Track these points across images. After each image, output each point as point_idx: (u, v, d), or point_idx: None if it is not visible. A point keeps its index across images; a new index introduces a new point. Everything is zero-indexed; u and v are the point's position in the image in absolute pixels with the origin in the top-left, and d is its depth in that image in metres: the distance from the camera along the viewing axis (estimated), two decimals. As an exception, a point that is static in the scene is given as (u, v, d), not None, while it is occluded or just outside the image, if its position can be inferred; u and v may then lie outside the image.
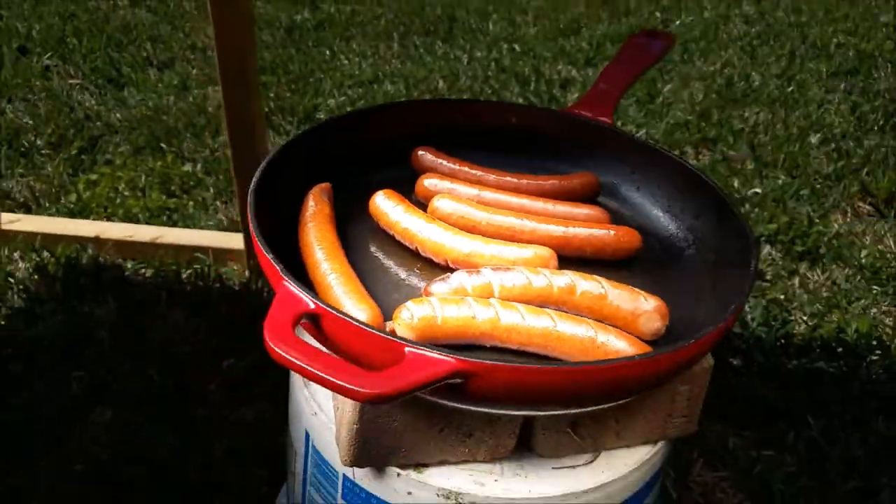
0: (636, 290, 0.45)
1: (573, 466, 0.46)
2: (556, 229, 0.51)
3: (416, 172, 0.58)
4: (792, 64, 2.01)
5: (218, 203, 1.24)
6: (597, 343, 0.41)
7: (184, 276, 1.07)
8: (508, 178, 0.57)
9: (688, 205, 0.55)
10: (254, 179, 0.48)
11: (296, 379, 0.51)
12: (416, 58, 1.93)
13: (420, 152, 0.59)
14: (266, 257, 0.41)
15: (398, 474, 0.44)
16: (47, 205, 1.22)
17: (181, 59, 1.77)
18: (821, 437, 0.87)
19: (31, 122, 1.48)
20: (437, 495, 0.44)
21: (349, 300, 0.42)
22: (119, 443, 0.81)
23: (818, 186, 1.42)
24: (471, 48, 1.99)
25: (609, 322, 0.44)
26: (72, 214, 1.19)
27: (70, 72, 1.68)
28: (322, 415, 0.47)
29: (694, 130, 1.59)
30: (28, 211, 1.22)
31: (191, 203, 1.24)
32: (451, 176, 0.57)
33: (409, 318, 0.42)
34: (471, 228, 0.52)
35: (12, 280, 1.05)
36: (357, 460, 0.43)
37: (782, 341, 1.04)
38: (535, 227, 0.51)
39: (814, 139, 1.59)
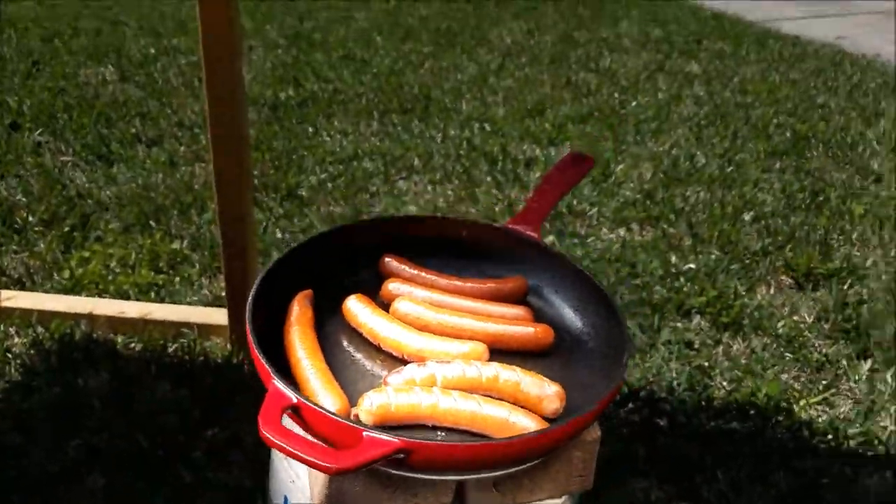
0: (543, 378, 0.60)
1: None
2: (490, 327, 0.66)
3: (383, 276, 0.73)
4: (734, 144, 2.23)
5: (203, 280, 1.38)
6: (510, 422, 0.56)
7: (170, 349, 1.20)
8: (456, 282, 0.72)
9: (589, 305, 0.70)
10: (251, 293, 0.62)
11: (278, 453, 0.64)
12: (394, 135, 2.10)
13: (386, 259, 0.74)
14: (260, 361, 0.55)
15: None
16: (41, 281, 1.34)
17: (169, 135, 1.93)
18: (729, 489, 1.02)
19: (23, 199, 1.61)
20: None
21: (323, 392, 0.56)
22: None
23: (747, 261, 1.59)
24: (444, 126, 2.18)
25: (521, 404, 0.59)
26: (65, 290, 1.31)
27: (61, 148, 1.83)
28: (298, 481, 0.60)
29: (640, 209, 1.77)
30: (22, 287, 1.34)
31: (177, 279, 1.37)
32: (411, 280, 0.72)
33: (370, 405, 0.55)
34: (424, 327, 0.66)
35: (10, 355, 1.17)
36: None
37: (703, 404, 1.19)
38: (473, 325, 0.66)
39: (747, 216, 1.78)
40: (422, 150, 1.97)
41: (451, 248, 0.77)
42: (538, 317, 0.71)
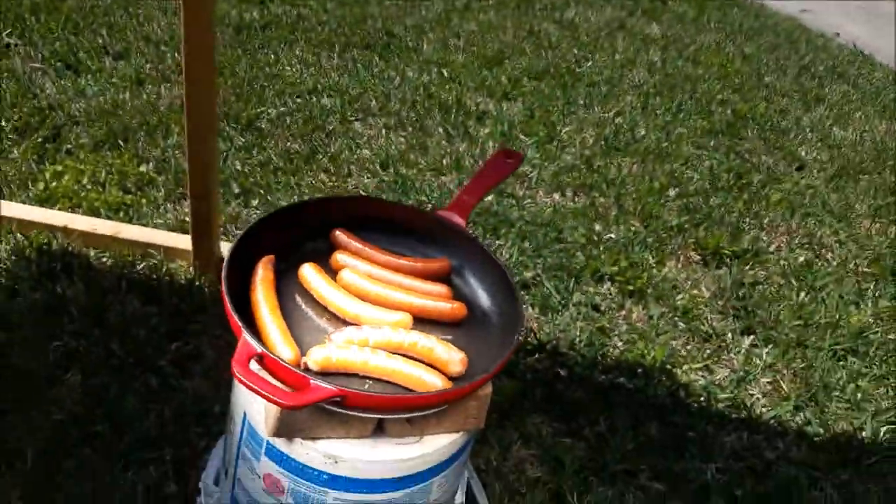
0: (452, 346, 0.79)
1: (407, 443, 0.79)
2: (415, 301, 0.84)
3: (333, 247, 0.90)
4: (675, 117, 2.41)
5: (167, 204, 1.51)
6: (423, 379, 0.75)
7: (139, 267, 1.35)
8: (391, 259, 0.89)
9: (498, 289, 0.89)
10: (226, 257, 0.78)
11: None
12: (354, 73, 2.20)
13: (337, 233, 0.90)
14: (233, 317, 0.72)
15: (301, 443, 0.76)
16: (16, 191, 1.46)
17: (135, 50, 1.99)
18: (607, 431, 1.26)
19: (-6, 103, 1.69)
20: (324, 456, 0.77)
21: (281, 344, 0.73)
22: (89, 401, 1.10)
23: (663, 236, 1.81)
24: (403, 68, 2.29)
25: (433, 365, 0.77)
26: (40, 202, 1.43)
27: (31, 53, 1.88)
28: (256, 403, 0.79)
29: (576, 175, 1.96)
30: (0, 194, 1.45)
31: (144, 201, 1.51)
32: (356, 253, 0.88)
33: (316, 357, 0.73)
34: (363, 296, 0.83)
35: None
36: (276, 433, 0.75)
37: (599, 359, 1.42)
38: (401, 298, 0.84)
39: (671, 192, 1.99)
40: (379, 92, 2.09)
41: (392, 228, 0.94)
42: (456, 295, 0.89)
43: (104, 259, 1.35)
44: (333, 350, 0.75)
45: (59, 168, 1.50)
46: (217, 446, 1.02)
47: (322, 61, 2.19)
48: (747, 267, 1.78)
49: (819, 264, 1.83)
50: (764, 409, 1.40)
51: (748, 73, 2.86)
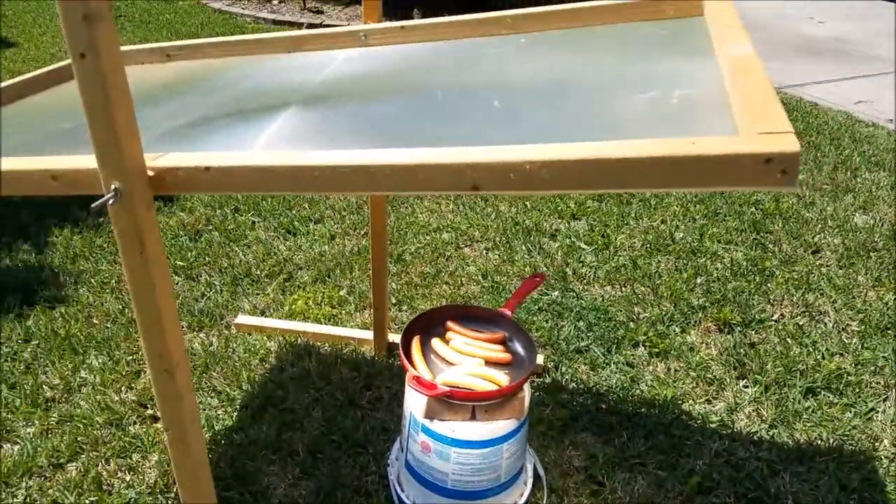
0: (502, 373, 1.70)
1: (486, 422, 1.69)
2: (486, 353, 1.76)
3: (446, 330, 1.85)
4: (711, 220, 3.20)
5: (356, 313, 2.55)
6: (488, 388, 1.66)
7: (344, 351, 2.37)
8: (475, 333, 1.83)
9: (528, 346, 1.79)
10: (402, 338, 1.76)
11: (408, 389, 1.77)
12: (464, 213, 3.23)
13: (448, 322, 1.85)
14: (405, 362, 1.68)
15: (436, 422, 1.68)
16: (274, 312, 2.56)
17: (327, 217, 3.15)
18: (627, 440, 2.07)
19: (253, 260, 2.86)
20: (447, 428, 1.69)
21: (425, 372, 1.67)
22: (327, 424, 2.09)
23: (687, 313, 2.60)
24: (498, 206, 3.29)
25: (493, 382, 1.68)
26: (288, 317, 2.52)
27: (266, 226, 3.08)
28: (416, 403, 1.73)
29: (623, 272, 2.81)
30: (264, 314, 2.56)
31: (343, 312, 2.56)
32: (457, 332, 1.83)
33: (440, 378, 1.67)
34: (461, 352, 1.77)
35: (271, 350, 2.37)
36: (426, 416, 1.68)
37: (629, 398, 2.24)
38: (479, 352, 1.76)
39: (698, 280, 2.78)
40: (480, 225, 3.09)
41: (475, 318, 1.89)
42: (507, 350, 1.81)
43: (325, 348, 2.39)
44: (448, 375, 1.69)
45: (295, 297, 2.60)
46: (394, 444, 1.97)
47: (442, 208, 3.24)
48: (752, 331, 2.53)
49: (813, 326, 2.54)
50: (745, 428, 2.14)
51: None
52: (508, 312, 1.86)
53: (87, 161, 0.99)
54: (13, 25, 6.32)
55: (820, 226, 3.12)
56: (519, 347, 1.83)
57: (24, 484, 1.87)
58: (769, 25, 6.54)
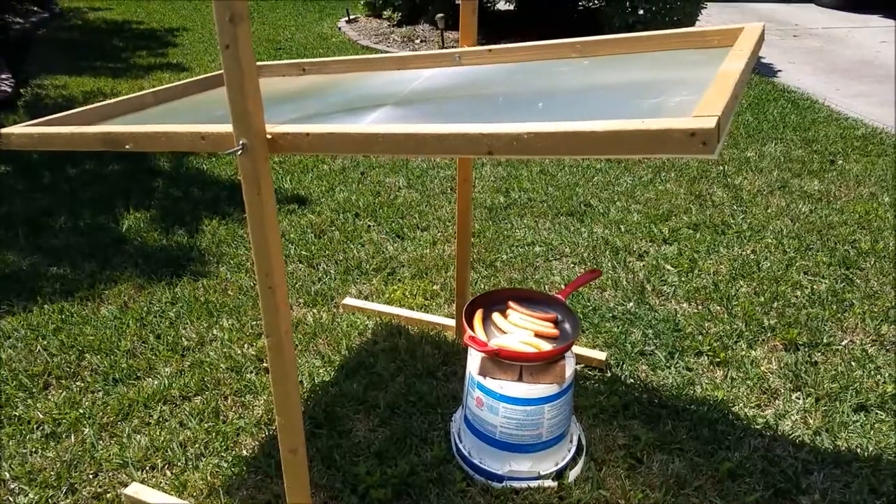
0: (552, 340, 1.98)
1: (531, 384, 1.99)
2: (537, 327, 2.06)
3: (507, 307, 2.18)
4: (802, 254, 3.29)
5: (445, 305, 2.93)
6: (541, 348, 1.96)
7: (431, 334, 2.74)
8: (532, 312, 2.14)
9: (573, 324, 2.07)
10: (468, 304, 2.10)
11: (470, 350, 2.10)
12: (558, 231, 3.53)
13: (510, 302, 2.18)
14: (465, 326, 2.02)
15: (488, 379, 2.00)
16: (376, 299, 2.99)
17: (433, 226, 3.57)
18: (671, 429, 2.27)
19: (364, 257, 3.32)
20: (498, 385, 2.00)
21: (482, 336, 2.00)
22: (406, 390, 2.46)
23: (757, 331, 2.75)
24: (591, 226, 3.56)
25: (539, 350, 1.98)
26: (388, 303, 2.94)
27: (379, 230, 3.55)
28: (473, 363, 2.06)
29: (703, 293, 2.99)
30: (367, 299, 3.00)
31: (434, 303, 2.94)
32: (515, 310, 2.15)
33: (494, 342, 1.99)
34: (516, 325, 2.08)
35: (369, 328, 2.79)
36: (480, 373, 2.01)
37: (683, 396, 2.43)
38: (531, 326, 2.06)
39: (775, 304, 2.91)
40: (572, 242, 3.38)
41: (534, 300, 2.20)
42: (557, 328, 2.10)
43: (414, 330, 2.78)
44: (501, 340, 2.02)
45: (394, 287, 3.03)
46: (459, 408, 2.30)
47: (539, 225, 3.57)
48: (818, 352, 2.62)
49: (881, 353, 2.60)
50: (789, 432, 2.27)
51: (889, 219, 3.59)
52: (562, 298, 2.16)
53: (226, 127, 1.45)
54: (188, 53, 7.41)
55: (914, 264, 3.13)
56: (567, 327, 2.12)
57: (158, 408, 2.37)
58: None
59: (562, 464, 2.06)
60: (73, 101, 5.52)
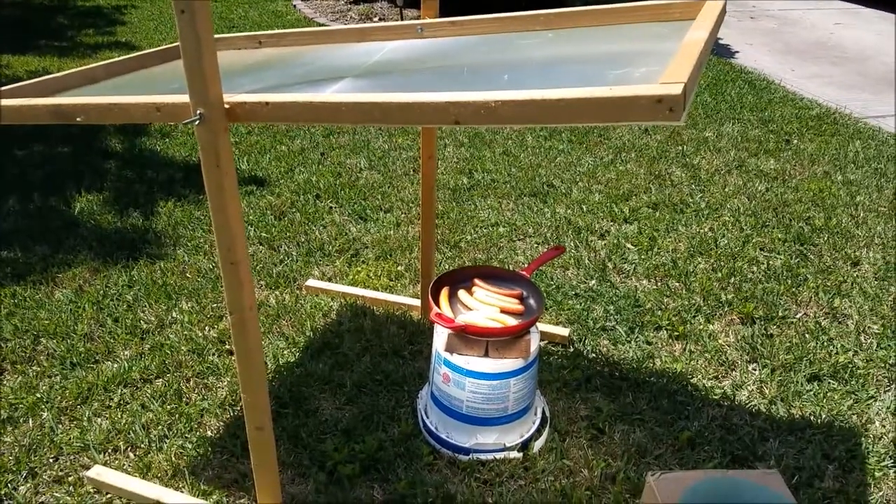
0: (517, 316, 2.00)
1: (497, 359, 2.01)
2: (501, 303, 2.07)
3: (473, 284, 2.18)
4: (758, 231, 3.37)
5: (410, 286, 2.92)
6: (507, 324, 1.97)
7: (395, 313, 2.74)
8: (496, 289, 2.15)
9: (537, 299, 2.09)
10: (430, 287, 2.10)
11: (437, 327, 2.11)
12: (521, 212, 3.55)
13: (475, 279, 2.18)
14: (431, 303, 2.02)
15: (455, 355, 2.01)
16: (339, 280, 2.97)
17: (396, 207, 3.56)
18: (632, 400, 2.31)
19: (327, 238, 3.30)
20: (464, 361, 2.01)
21: (448, 313, 2.01)
22: (373, 367, 2.46)
23: (714, 306, 2.81)
24: (554, 207, 3.59)
25: (504, 325, 2.00)
26: (351, 285, 2.92)
27: (341, 211, 3.52)
28: (439, 340, 2.06)
29: (662, 270, 3.05)
30: (330, 281, 2.98)
31: (398, 284, 2.94)
32: (481, 287, 2.15)
33: (460, 318, 2.00)
34: (482, 301, 2.09)
35: (332, 308, 2.78)
36: (446, 350, 2.01)
37: (643, 369, 2.47)
38: (496, 302, 2.07)
39: (732, 280, 2.98)
40: (534, 223, 3.40)
41: (499, 277, 2.21)
42: (523, 304, 2.11)
43: (379, 310, 2.77)
44: (467, 317, 2.02)
45: (358, 269, 3.01)
46: (425, 385, 2.31)
47: (502, 206, 3.58)
48: (773, 325, 2.70)
49: (834, 326, 2.69)
50: (745, 401, 2.34)
51: (842, 196, 3.70)
52: (527, 274, 2.18)
53: (182, 98, 1.41)
54: (137, 31, 7.20)
55: (865, 242, 3.24)
56: (532, 303, 2.14)
57: (119, 391, 2.32)
58: (867, 58, 6.54)
59: (527, 435, 2.09)
60: (19, 81, 5.33)
